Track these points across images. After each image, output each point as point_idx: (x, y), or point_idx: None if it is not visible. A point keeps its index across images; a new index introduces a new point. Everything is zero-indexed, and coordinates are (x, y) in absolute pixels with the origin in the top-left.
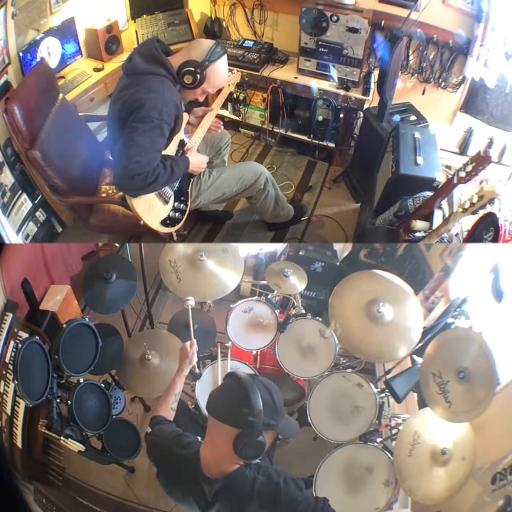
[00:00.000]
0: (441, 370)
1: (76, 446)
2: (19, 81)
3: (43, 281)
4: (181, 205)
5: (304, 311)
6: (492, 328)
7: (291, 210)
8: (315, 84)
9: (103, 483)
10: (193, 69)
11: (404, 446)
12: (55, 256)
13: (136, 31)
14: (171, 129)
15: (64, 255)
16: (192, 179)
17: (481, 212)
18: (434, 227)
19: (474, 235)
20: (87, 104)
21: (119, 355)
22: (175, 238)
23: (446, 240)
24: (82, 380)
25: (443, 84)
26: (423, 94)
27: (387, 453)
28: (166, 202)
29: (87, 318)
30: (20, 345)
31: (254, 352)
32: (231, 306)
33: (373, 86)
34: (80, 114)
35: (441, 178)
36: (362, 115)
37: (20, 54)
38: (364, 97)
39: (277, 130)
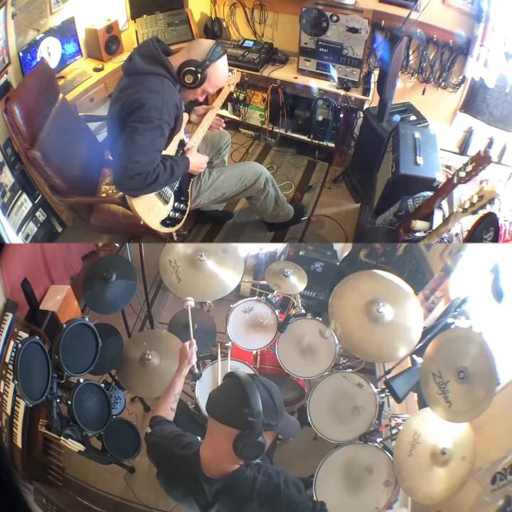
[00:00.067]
0: (441, 370)
1: (76, 446)
2: (19, 81)
3: (43, 281)
4: (181, 205)
5: (303, 311)
6: (492, 328)
7: (291, 210)
8: (315, 84)
9: (103, 483)
10: (193, 69)
11: (404, 446)
12: (55, 256)
13: (136, 31)
14: (171, 129)
15: (64, 255)
16: (192, 179)
17: (481, 212)
18: (434, 227)
19: (474, 235)
20: (87, 104)
21: (119, 355)
22: (175, 238)
23: (446, 240)
24: (82, 380)
25: (443, 84)
26: (423, 94)
27: (387, 453)
28: (166, 202)
29: (87, 318)
30: (20, 345)
31: (254, 352)
32: (231, 306)
33: (373, 86)
34: (80, 114)
35: (441, 178)
36: (362, 115)
37: (20, 54)
38: (364, 97)
39: (277, 130)
